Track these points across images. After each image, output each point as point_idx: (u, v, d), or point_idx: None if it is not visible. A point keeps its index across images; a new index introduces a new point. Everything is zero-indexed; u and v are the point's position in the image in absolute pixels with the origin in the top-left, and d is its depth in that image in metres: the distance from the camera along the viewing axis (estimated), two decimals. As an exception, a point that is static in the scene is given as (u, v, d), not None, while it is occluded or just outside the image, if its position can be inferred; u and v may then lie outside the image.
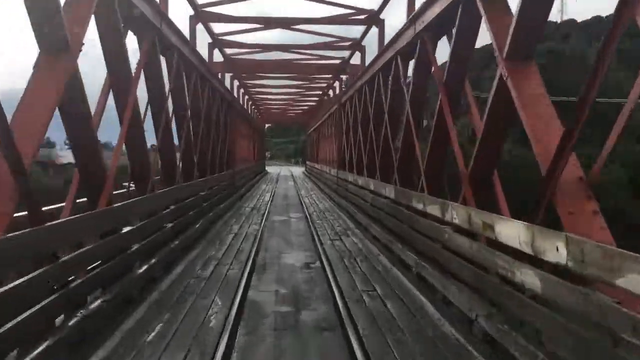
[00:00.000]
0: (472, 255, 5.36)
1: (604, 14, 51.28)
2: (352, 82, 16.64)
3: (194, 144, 12.66)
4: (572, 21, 60.33)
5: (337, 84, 26.10)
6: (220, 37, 16.84)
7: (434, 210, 6.80)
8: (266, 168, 50.88)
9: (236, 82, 25.84)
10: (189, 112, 11.85)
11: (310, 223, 12.23)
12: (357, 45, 17.51)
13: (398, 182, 9.94)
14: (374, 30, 15.17)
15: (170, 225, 8.34)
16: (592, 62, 4.12)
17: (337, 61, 20.59)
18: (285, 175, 41.27)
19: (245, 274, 6.74)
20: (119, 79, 6.80)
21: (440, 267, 6.16)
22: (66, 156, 53.01)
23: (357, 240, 9.96)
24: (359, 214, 12.64)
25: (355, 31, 17.24)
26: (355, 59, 19.38)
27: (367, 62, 14.70)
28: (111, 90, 6.84)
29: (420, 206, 7.49)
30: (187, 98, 11.29)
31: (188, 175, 11.77)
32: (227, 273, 6.96)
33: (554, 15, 62.88)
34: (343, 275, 6.92)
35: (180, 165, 11.55)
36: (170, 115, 9.98)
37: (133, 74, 7.10)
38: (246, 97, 32.26)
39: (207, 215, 11.73)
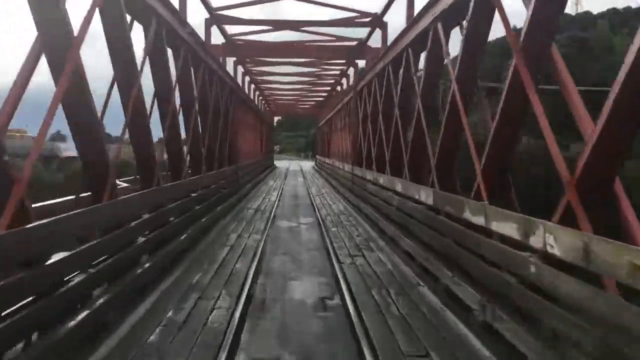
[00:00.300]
0: (600, 314, 3.24)
1: (619, 6, 49.25)
2: (371, 65, 14.48)
3: (191, 136, 10.67)
4: (588, 13, 57.87)
5: (351, 70, 24.04)
6: (219, 12, 14.69)
7: (506, 228, 4.69)
8: (275, 162, 48.95)
9: (240, 69, 23.75)
10: (179, 98, 9.83)
11: (324, 231, 10.13)
12: (377, 20, 15.23)
13: (436, 184, 7.79)
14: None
15: (142, 239, 6.30)
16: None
17: (353, 42, 18.40)
18: (294, 170, 39.18)
19: (235, 322, 4.64)
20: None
21: (529, 319, 4.04)
22: (71, 149, 51.41)
23: (385, 258, 7.84)
24: (381, 219, 10.53)
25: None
26: (374, 42, 17.36)
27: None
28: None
29: (479, 220, 5.37)
30: (174, 79, 9.23)
31: (177, 172, 9.77)
32: (209, 319, 4.87)
33: (570, 8, 60.36)
34: (375, 322, 4.80)
35: (168, 159, 9.60)
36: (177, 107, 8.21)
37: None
38: (252, 86, 30.13)
39: (199, 221, 9.67)
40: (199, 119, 12.00)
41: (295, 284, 6.29)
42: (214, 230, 10.13)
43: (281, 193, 18.96)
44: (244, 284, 5.96)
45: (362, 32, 17.16)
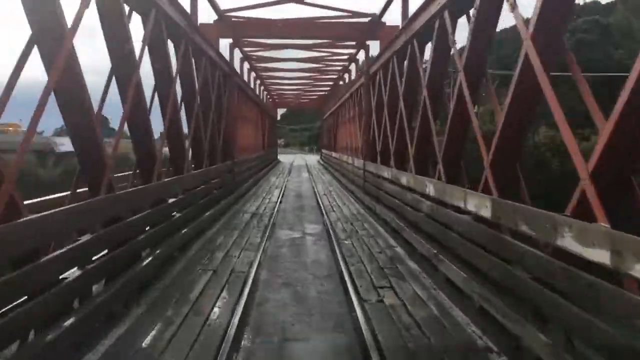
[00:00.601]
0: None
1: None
2: (387, 42, 12.23)
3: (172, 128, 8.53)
4: (596, 3, 55.30)
5: (361, 54, 22.33)
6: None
7: None
8: (279, 157, 46.85)
9: (238, 54, 21.57)
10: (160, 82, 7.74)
11: (336, 245, 7.96)
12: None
13: (496, 192, 5.60)
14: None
15: (73, 274, 4.20)
16: None
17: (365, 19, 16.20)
18: (299, 165, 37.01)
19: None
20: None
21: None
22: (67, 144, 49.45)
23: (424, 293, 5.64)
24: (406, 229, 8.37)
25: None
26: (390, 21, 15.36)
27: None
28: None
29: (594, 253, 3.25)
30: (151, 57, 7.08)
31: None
32: None
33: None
34: None
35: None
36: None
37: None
38: (253, 74, 28.03)
39: (177, 234, 7.55)
40: (182, 107, 9.87)
41: (298, 349, 4.10)
42: (196, 246, 7.99)
43: (284, 192, 16.81)
44: (219, 354, 3.80)
45: (375, 8, 16.00)
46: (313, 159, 49.76)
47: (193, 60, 10.42)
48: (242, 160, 17.71)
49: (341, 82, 29.86)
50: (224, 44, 18.90)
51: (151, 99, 7.57)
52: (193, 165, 11.42)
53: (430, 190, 7.63)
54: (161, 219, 7.19)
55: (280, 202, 14.09)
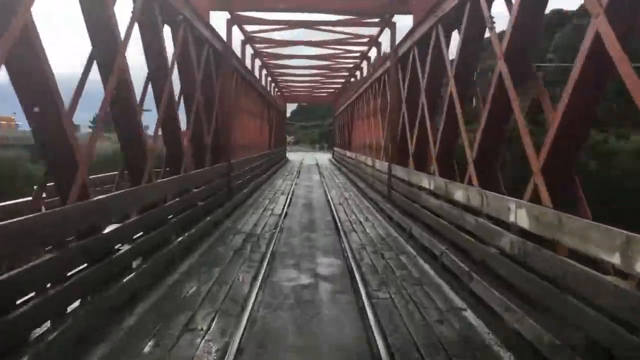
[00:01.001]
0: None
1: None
2: (431, 7, 9.15)
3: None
4: None
5: (373, 52, 21.49)
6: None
7: None
8: (288, 154, 43.95)
9: (250, 50, 19.34)
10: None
11: (367, 306, 4.94)
12: None
13: None
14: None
15: None
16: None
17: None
18: (309, 164, 34.03)
19: None
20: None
21: None
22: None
23: None
24: (475, 276, 5.37)
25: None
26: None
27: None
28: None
29: None
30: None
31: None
32: None
33: None
34: None
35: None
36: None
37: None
38: (264, 71, 25.55)
39: (109, 289, 4.62)
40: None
41: None
42: (141, 308, 4.99)
43: (290, 199, 13.85)
44: None
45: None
46: (324, 157, 46.75)
47: (163, 26, 7.49)
48: (242, 161, 14.76)
49: (352, 79, 28.72)
50: (236, 39, 18.08)
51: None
52: (164, 170, 8.54)
53: (518, 217, 4.64)
54: (95, 256, 4.31)
55: (286, 215, 11.14)
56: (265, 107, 25.17)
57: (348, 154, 25.59)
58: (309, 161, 38.49)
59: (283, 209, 11.95)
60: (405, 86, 11.39)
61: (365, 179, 16.84)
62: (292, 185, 18.14)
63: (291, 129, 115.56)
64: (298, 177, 22.27)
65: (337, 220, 10.31)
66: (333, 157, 40.98)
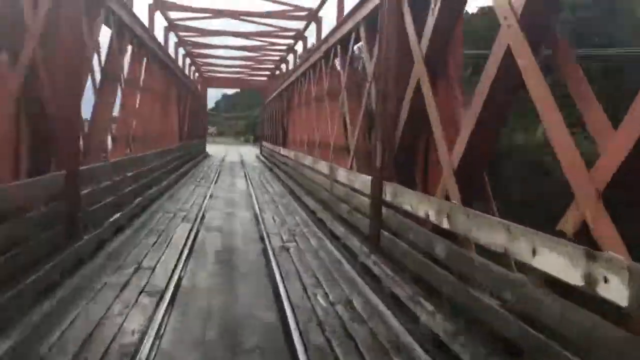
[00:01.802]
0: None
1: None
2: None
3: None
4: None
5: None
6: None
7: None
8: (209, 148, 37.42)
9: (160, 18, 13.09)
10: None
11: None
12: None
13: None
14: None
15: None
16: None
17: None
18: (232, 162, 27.84)
19: None
20: None
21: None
22: None
23: None
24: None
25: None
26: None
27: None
28: None
29: None
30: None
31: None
32: None
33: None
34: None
35: None
36: None
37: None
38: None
39: None
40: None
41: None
42: None
43: (195, 239, 7.82)
44: None
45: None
46: (250, 152, 40.57)
47: None
48: (114, 165, 8.55)
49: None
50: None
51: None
52: None
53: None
54: None
55: (176, 294, 5.19)
56: (175, 87, 18.78)
57: (282, 151, 19.77)
58: (232, 157, 32.23)
59: (174, 271, 5.93)
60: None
61: (315, 192, 11.15)
62: (204, 199, 12.05)
63: (215, 119, 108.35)
64: (216, 182, 16.16)
65: (290, 314, 4.55)
66: (261, 153, 34.96)
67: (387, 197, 6.20)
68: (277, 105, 25.68)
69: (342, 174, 8.71)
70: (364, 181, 7.19)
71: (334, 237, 8.01)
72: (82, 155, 7.21)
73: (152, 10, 16.25)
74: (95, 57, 8.29)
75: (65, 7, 5.92)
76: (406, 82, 5.92)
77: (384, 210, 6.35)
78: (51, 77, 5.69)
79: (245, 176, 18.87)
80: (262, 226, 8.80)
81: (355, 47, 10.06)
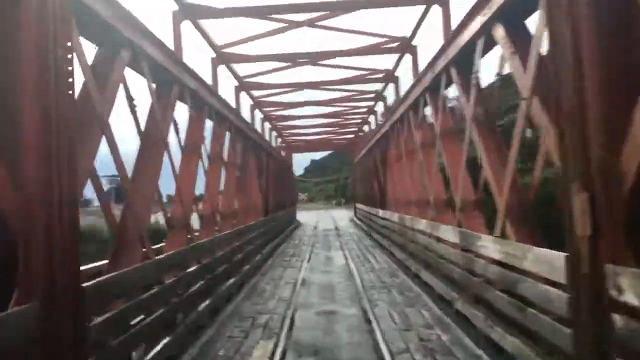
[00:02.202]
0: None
1: None
2: None
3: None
4: None
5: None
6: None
7: None
8: (300, 215, 35.51)
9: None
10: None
11: None
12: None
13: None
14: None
15: None
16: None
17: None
18: (325, 229, 25.25)
19: None
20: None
21: None
22: None
23: None
24: None
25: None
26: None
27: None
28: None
29: None
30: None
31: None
32: None
33: None
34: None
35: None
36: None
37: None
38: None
39: None
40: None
41: None
42: None
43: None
44: None
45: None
46: (343, 216, 38.02)
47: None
48: (154, 264, 6.07)
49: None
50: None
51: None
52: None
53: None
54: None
55: None
56: (256, 158, 16.81)
57: (381, 213, 16.92)
58: (325, 224, 29.74)
59: None
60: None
61: (436, 266, 8.08)
62: (294, 290, 9.32)
63: (304, 185, 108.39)
64: (309, 259, 13.54)
65: None
66: (355, 215, 32.25)
67: (625, 294, 3.14)
68: (367, 162, 23.07)
69: (486, 245, 5.68)
70: (542, 259, 4.15)
71: (504, 356, 4.87)
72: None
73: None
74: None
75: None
76: None
77: (617, 319, 3.26)
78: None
79: (342, 247, 16.11)
80: (379, 335, 5.86)
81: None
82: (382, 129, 16.76)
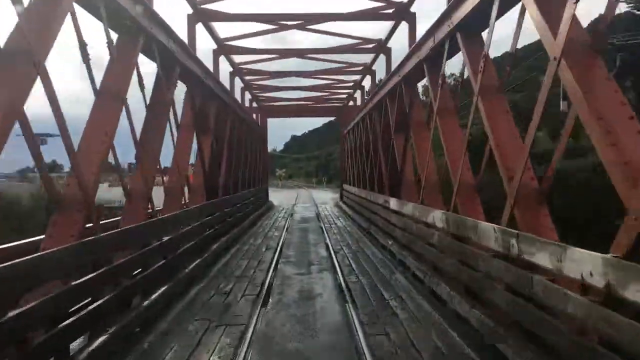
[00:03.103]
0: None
1: None
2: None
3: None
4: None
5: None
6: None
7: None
8: (275, 194, 29.66)
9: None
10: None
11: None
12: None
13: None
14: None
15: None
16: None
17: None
18: (303, 218, 19.02)
19: None
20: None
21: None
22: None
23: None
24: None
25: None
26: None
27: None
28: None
29: None
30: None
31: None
32: None
33: None
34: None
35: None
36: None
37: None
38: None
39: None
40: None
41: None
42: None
43: None
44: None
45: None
46: (326, 198, 32.06)
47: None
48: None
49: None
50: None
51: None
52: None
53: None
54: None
55: None
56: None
57: (392, 203, 10.84)
58: (304, 208, 23.47)
59: None
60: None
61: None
62: None
63: (283, 162, 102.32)
64: (268, 290, 7.29)
65: None
66: (342, 199, 26.14)
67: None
68: (368, 133, 16.83)
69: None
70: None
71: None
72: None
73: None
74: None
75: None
76: None
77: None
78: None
79: (331, 256, 9.94)
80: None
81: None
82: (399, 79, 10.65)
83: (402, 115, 11.25)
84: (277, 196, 32.41)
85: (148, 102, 7.39)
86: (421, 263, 7.66)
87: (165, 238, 6.89)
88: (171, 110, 8.22)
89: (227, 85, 16.04)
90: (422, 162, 9.46)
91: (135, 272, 5.93)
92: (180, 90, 9.62)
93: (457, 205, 6.82)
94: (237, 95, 19.97)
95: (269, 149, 43.93)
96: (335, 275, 8.29)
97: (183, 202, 9.22)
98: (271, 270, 8.48)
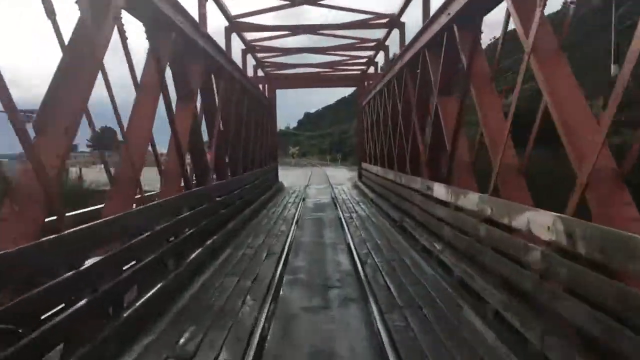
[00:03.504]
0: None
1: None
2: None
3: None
4: None
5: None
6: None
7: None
8: (287, 174, 26.92)
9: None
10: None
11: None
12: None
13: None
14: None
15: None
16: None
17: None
18: (317, 204, 15.99)
19: None
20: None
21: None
22: None
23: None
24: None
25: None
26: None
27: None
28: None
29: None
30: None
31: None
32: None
33: None
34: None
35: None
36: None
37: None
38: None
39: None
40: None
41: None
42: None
43: None
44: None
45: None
46: (343, 178, 29.13)
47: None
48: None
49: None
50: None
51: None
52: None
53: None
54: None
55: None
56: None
57: (437, 189, 7.88)
58: (318, 194, 20.35)
59: None
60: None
61: None
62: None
63: (297, 139, 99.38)
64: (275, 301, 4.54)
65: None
66: (360, 179, 23.19)
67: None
68: (377, 102, 13.72)
69: None
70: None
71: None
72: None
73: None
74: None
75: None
76: None
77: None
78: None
79: (357, 270, 7.01)
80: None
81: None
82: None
83: (451, 71, 8.21)
84: (289, 175, 29.61)
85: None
86: (511, 296, 4.65)
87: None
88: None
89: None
90: (491, 135, 6.44)
91: None
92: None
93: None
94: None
95: (282, 126, 41.08)
96: (367, 311, 5.30)
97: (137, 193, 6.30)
98: (268, 302, 5.50)
